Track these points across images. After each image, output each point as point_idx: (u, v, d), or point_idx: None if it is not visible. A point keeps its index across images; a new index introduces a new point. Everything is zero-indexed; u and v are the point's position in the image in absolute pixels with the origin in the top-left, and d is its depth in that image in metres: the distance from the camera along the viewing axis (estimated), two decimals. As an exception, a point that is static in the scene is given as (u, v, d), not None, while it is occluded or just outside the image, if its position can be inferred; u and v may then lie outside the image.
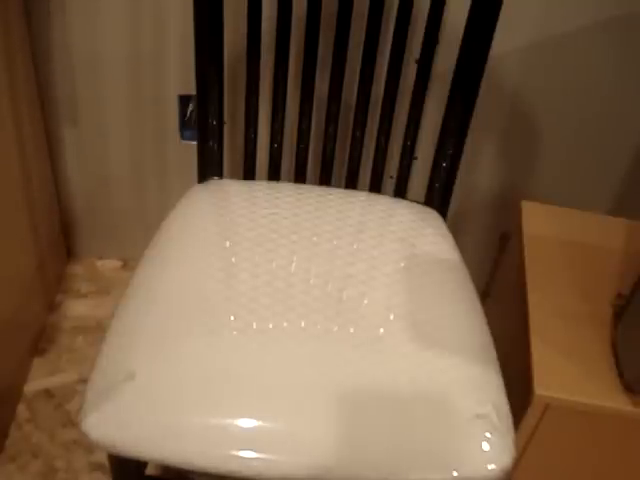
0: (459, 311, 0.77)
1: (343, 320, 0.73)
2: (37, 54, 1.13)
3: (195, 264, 0.78)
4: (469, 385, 0.69)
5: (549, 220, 1.01)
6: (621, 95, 1.09)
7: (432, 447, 0.64)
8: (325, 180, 0.94)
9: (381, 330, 0.73)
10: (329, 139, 0.92)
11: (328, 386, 0.67)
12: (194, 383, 0.66)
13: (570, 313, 0.88)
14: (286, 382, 0.67)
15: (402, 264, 0.80)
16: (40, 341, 1.24)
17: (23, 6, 1.07)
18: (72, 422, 1.12)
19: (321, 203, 0.88)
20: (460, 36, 0.83)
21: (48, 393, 1.17)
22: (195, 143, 0.95)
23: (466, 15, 0.82)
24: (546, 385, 0.79)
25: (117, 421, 0.64)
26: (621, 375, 0.81)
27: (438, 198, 0.92)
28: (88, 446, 1.09)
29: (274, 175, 0.94)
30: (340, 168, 0.99)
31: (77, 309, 1.31)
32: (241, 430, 0.64)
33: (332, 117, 0.91)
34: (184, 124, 1.20)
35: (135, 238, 1.35)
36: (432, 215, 0.91)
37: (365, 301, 0.75)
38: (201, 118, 0.90)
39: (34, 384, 1.18)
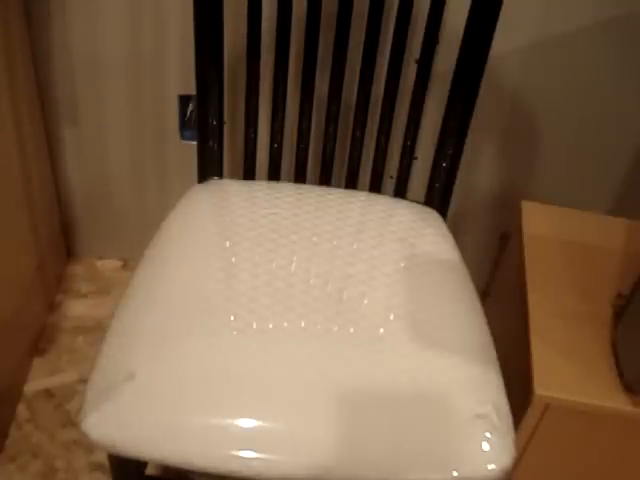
0: (459, 311, 0.77)
1: (343, 320, 0.73)
2: (37, 54, 1.13)
3: (195, 264, 0.78)
4: (469, 385, 0.69)
5: (549, 220, 1.01)
6: (621, 95, 1.09)
7: (432, 447, 0.64)
8: (325, 180, 0.94)
9: (381, 330, 0.73)
10: (329, 139, 0.92)
11: (328, 386, 0.67)
12: (194, 383, 0.66)
13: (570, 313, 0.88)
14: (286, 382, 0.67)
15: (402, 264, 0.80)
16: (40, 341, 1.24)
17: (23, 6, 1.07)
18: (72, 422, 1.12)
19: (321, 203, 0.88)
20: (460, 36, 0.83)
21: (48, 393, 1.17)
22: (195, 143, 0.95)
23: (466, 15, 0.82)
24: (546, 385, 0.79)
25: (117, 421, 0.64)
26: (621, 375, 0.81)
27: (438, 198, 0.92)
28: (88, 446, 1.09)
29: (274, 175, 0.94)
30: (340, 168, 0.99)
31: (77, 309, 1.31)
32: (241, 430, 0.64)
33: (332, 117, 0.91)
34: (184, 124, 1.20)
35: (135, 238, 1.35)
36: (432, 215, 0.91)
37: (365, 301, 0.75)
38: (201, 118, 0.90)
39: (34, 384, 1.18)
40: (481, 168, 1.21)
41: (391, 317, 0.74)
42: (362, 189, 0.94)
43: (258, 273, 0.77)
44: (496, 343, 0.75)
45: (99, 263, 1.40)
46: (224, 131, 0.92)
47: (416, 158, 0.94)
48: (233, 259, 0.78)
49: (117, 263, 1.40)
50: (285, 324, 0.72)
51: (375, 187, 0.94)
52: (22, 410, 1.14)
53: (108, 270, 1.39)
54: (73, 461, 1.08)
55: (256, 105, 0.91)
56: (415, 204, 0.92)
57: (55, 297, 1.32)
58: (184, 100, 1.17)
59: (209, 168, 0.92)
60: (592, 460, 0.86)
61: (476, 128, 0.95)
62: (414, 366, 0.69)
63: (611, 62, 1.06)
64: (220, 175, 0.93)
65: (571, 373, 0.81)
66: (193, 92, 0.93)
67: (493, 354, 0.74)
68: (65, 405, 1.15)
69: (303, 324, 0.72)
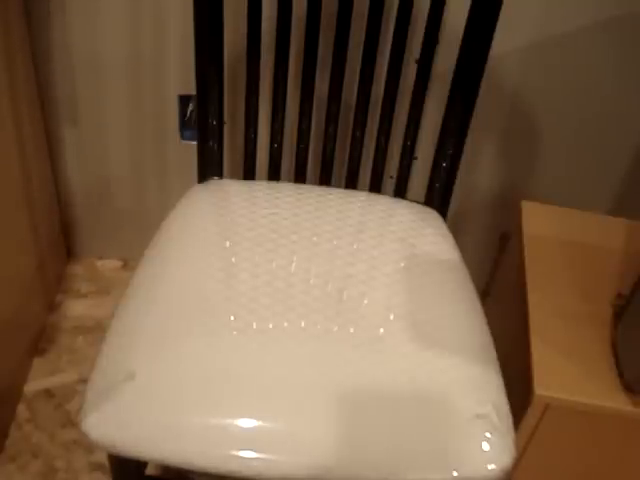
0: (459, 311, 0.77)
1: (343, 320, 0.73)
2: (37, 54, 1.12)
3: (195, 264, 0.78)
4: (469, 385, 0.69)
5: (549, 220, 1.01)
6: (621, 95, 1.09)
7: (432, 447, 0.64)
8: (325, 180, 0.94)
9: (381, 330, 0.73)
10: (329, 139, 0.92)
11: (328, 386, 0.67)
12: (194, 383, 0.66)
13: (570, 313, 0.88)
14: (286, 382, 0.67)
15: (402, 264, 0.80)
16: (40, 341, 1.24)
17: (23, 6, 1.07)
18: (72, 422, 1.12)
19: (321, 203, 0.88)
20: (460, 36, 0.83)
21: (48, 393, 1.17)
22: (195, 143, 0.95)
23: (466, 15, 0.82)
24: (546, 385, 0.79)
25: (117, 421, 0.64)
26: (621, 375, 0.81)
27: (438, 198, 0.92)
28: (88, 446, 1.09)
29: (274, 175, 0.94)
30: (340, 168, 0.99)
31: (77, 309, 1.31)
32: (241, 430, 0.64)
33: (332, 117, 0.91)
34: (184, 124, 1.20)
35: (135, 238, 1.35)
36: (432, 215, 0.90)
37: (365, 301, 0.75)
38: (201, 118, 0.90)
39: (34, 384, 1.18)
40: (481, 168, 1.21)
41: (391, 317, 0.74)
42: (362, 189, 0.94)
43: (258, 273, 0.77)
44: (496, 343, 0.75)
45: (99, 263, 1.40)
46: (224, 131, 0.92)
47: (416, 158, 0.94)
48: (233, 259, 0.78)
49: (117, 263, 1.40)
50: (285, 324, 0.72)
51: (375, 187, 0.94)
52: (22, 410, 1.14)
53: (108, 270, 1.39)
54: (73, 461, 1.08)
55: (256, 105, 0.91)
56: (415, 204, 0.92)
57: (55, 297, 1.32)
58: (184, 100, 1.17)
59: (209, 168, 0.92)
60: (592, 460, 0.86)
61: (476, 128, 0.95)
62: (414, 366, 0.69)
63: (611, 62, 1.06)
64: (220, 175, 0.93)
65: (571, 373, 0.81)
66: (193, 92, 0.93)
67: (493, 354, 0.74)
68: (65, 405, 1.15)
69: (303, 324, 0.72)
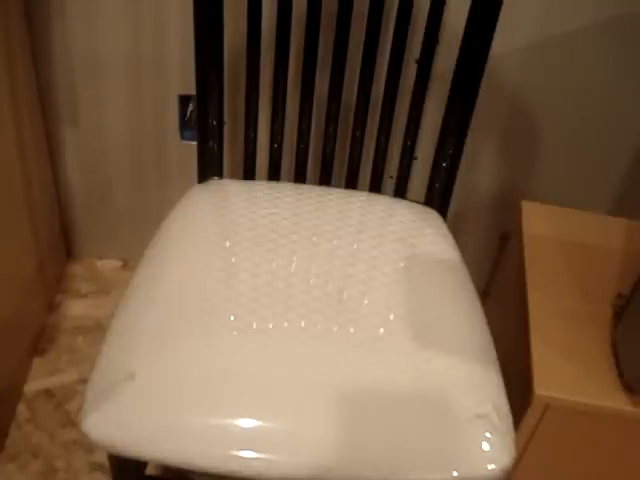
0: (459, 311, 0.77)
1: (343, 320, 0.73)
2: (38, 57, 1.12)
3: (195, 264, 0.78)
4: (469, 385, 0.69)
5: (549, 220, 1.01)
6: (621, 95, 1.09)
7: (432, 447, 0.64)
8: (325, 180, 0.94)
9: (381, 330, 0.73)
10: (329, 139, 0.92)
11: (328, 386, 0.67)
12: (194, 383, 0.66)
13: (570, 313, 0.88)
14: (286, 382, 0.67)
15: (402, 264, 0.80)
16: (40, 341, 1.24)
17: (24, 10, 1.07)
18: (72, 422, 1.12)
19: (321, 203, 0.88)
20: (460, 36, 0.83)
21: (48, 393, 1.17)
22: (195, 143, 0.95)
23: (466, 15, 0.82)
24: (546, 385, 0.79)
25: (117, 421, 0.64)
26: (621, 375, 0.81)
27: (438, 198, 0.92)
28: (88, 446, 1.09)
29: (274, 175, 0.94)
30: (340, 168, 0.99)
31: (77, 309, 1.31)
32: (241, 430, 0.64)
33: (332, 117, 0.91)
34: (184, 124, 1.20)
35: (135, 238, 1.35)
36: (432, 215, 0.90)
37: (365, 301, 0.75)
38: (201, 118, 0.90)
39: (34, 384, 1.18)
40: (481, 168, 1.21)
41: (391, 317, 0.74)
42: (362, 189, 0.94)
43: (258, 273, 0.77)
44: (496, 343, 0.75)
45: (99, 263, 1.40)
46: (224, 131, 0.92)
47: (416, 158, 0.94)
48: (233, 259, 0.78)
49: (117, 263, 1.40)
50: (285, 324, 0.72)
51: (375, 187, 0.94)
52: (22, 410, 1.14)
53: (108, 270, 1.39)
54: (73, 461, 1.08)
55: (256, 105, 0.91)
56: (415, 204, 0.92)
57: (55, 297, 1.32)
58: (184, 100, 1.17)
59: (209, 168, 0.92)
60: (592, 460, 0.86)
61: (476, 128, 0.95)
62: (414, 366, 0.69)
63: (611, 62, 1.06)
64: (220, 175, 0.93)
65: (571, 373, 0.81)
66: (193, 92, 0.93)
67: (493, 354, 0.74)
68: (65, 405, 1.15)
69: (303, 324, 0.72)
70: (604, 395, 0.79)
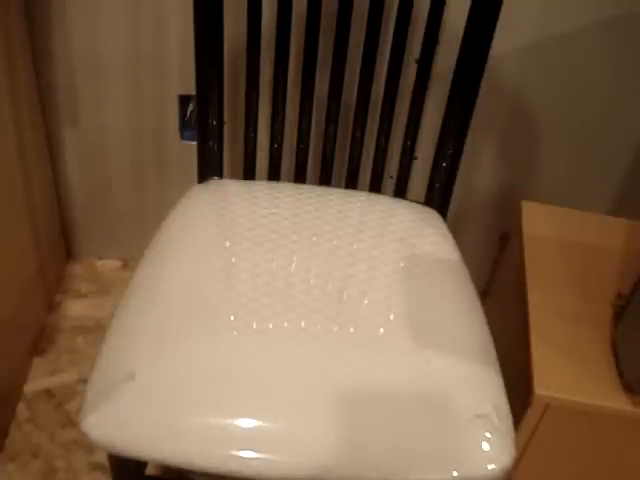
0: (459, 311, 0.77)
1: (343, 320, 0.73)
2: (38, 57, 1.12)
3: (195, 264, 0.78)
4: (469, 385, 0.69)
5: (549, 220, 1.01)
6: (621, 95, 1.09)
7: (432, 447, 0.64)
8: (325, 180, 0.94)
9: (381, 330, 0.73)
10: (329, 139, 0.92)
11: (328, 386, 0.67)
12: (194, 383, 0.66)
13: (570, 313, 0.88)
14: (286, 382, 0.67)
15: (402, 264, 0.80)
16: (40, 341, 1.24)
17: (24, 11, 1.07)
18: (72, 422, 1.12)
19: (321, 203, 0.88)
20: (460, 36, 0.83)
21: (48, 393, 1.17)
22: (195, 143, 0.95)
23: (466, 15, 0.82)
24: (546, 385, 0.79)
25: (117, 421, 0.64)
26: (621, 375, 0.81)
27: (438, 198, 0.92)
28: (88, 446, 1.09)
29: (274, 175, 0.94)
30: (340, 168, 0.99)
31: (77, 309, 1.31)
32: (241, 430, 0.64)
33: (332, 117, 0.91)
34: (184, 124, 1.20)
35: (135, 238, 1.35)
36: (432, 215, 0.91)
37: (365, 301, 0.75)
38: (201, 118, 0.90)
39: (34, 384, 1.18)
40: (481, 168, 1.21)
41: (391, 317, 0.74)
42: (362, 189, 0.94)
43: (258, 273, 0.77)
44: (496, 343, 0.75)
45: (99, 263, 1.40)
46: (224, 131, 0.92)
47: (416, 158, 0.94)
48: (233, 259, 0.78)
49: (117, 263, 1.40)
50: (285, 324, 0.72)
51: (375, 187, 0.94)
52: (22, 410, 1.14)
53: (108, 270, 1.39)
54: (73, 461, 1.08)
55: (256, 105, 0.91)
56: (415, 204, 0.92)
57: (55, 297, 1.32)
58: (184, 100, 1.17)
59: (209, 168, 0.92)
60: (592, 460, 0.86)
61: (476, 128, 0.95)
62: (414, 366, 0.69)
63: (611, 62, 1.06)
64: (220, 175, 0.93)
65: (571, 373, 0.81)
66: (193, 92, 0.93)
67: (493, 354, 0.74)
68: (65, 405, 1.15)
69: (303, 324, 0.72)
70: (604, 395, 0.79)
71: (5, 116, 1.03)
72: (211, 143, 0.91)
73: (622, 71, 1.07)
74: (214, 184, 0.91)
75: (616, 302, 0.88)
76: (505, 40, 1.03)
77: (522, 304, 0.90)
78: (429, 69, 0.87)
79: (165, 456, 0.64)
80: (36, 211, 1.19)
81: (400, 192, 0.94)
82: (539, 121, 1.14)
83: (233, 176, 0.94)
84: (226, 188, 0.90)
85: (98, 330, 1.26)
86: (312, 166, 0.98)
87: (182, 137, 1.22)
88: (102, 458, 1.07)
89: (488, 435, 0.65)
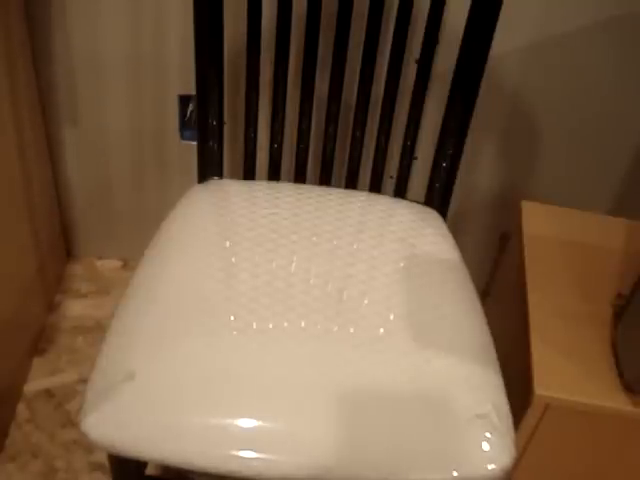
0: (459, 311, 0.77)
1: (343, 320, 0.73)
2: (38, 57, 1.12)
3: (195, 264, 0.78)
4: (469, 385, 0.69)
5: (549, 220, 1.01)
6: (621, 95, 1.09)
7: (432, 447, 0.64)
8: (325, 180, 0.94)
9: (381, 330, 0.73)
10: (329, 139, 0.92)
11: (328, 386, 0.67)
12: (194, 383, 0.66)
13: (570, 313, 0.88)
14: (286, 382, 0.67)
15: (402, 264, 0.80)
16: (40, 341, 1.24)
17: (24, 11, 1.07)
18: (72, 422, 1.12)
19: (321, 203, 0.88)
20: (460, 36, 0.83)
21: (48, 393, 1.17)
22: (195, 143, 0.95)
23: (466, 15, 0.82)
24: (546, 385, 0.79)
25: (117, 421, 0.64)
26: (621, 375, 0.81)
27: (438, 198, 0.92)
28: (88, 446, 1.09)
29: (274, 175, 0.94)
30: (340, 168, 0.99)
31: (77, 309, 1.31)
32: (241, 430, 0.64)
33: (332, 117, 0.91)
34: (184, 124, 1.20)
35: (135, 238, 1.35)
36: (432, 215, 0.91)
37: (365, 301, 0.75)
38: (201, 118, 0.90)
39: (34, 384, 1.18)
40: (481, 168, 1.21)
41: (391, 317, 0.74)
42: (362, 189, 0.94)
43: (258, 273, 0.77)
44: (496, 343, 0.75)
45: (99, 263, 1.40)
46: (224, 131, 0.92)
47: (416, 158, 0.94)
48: (233, 259, 0.78)
49: (117, 263, 1.40)
50: (285, 324, 0.72)
51: (375, 187, 0.94)
52: (22, 410, 1.14)
53: (108, 270, 1.39)
54: (73, 461, 1.08)
55: (256, 105, 0.91)
56: (415, 204, 0.92)
57: (55, 297, 1.32)
58: (184, 100, 1.17)
59: (209, 168, 0.92)
60: (592, 460, 0.86)
61: (476, 128, 0.95)
62: (414, 366, 0.69)
63: (611, 62, 1.06)
64: (220, 175, 0.93)
65: (571, 373, 0.81)
66: (193, 92, 0.93)
67: (493, 354, 0.74)
68: (65, 405, 1.15)
69: (303, 324, 0.72)
70: (604, 395, 0.79)
71: (5, 116, 1.03)
72: (211, 143, 0.91)
73: (622, 71, 1.07)
74: (214, 184, 0.91)
75: (616, 302, 0.88)
76: (505, 40, 1.03)
77: (522, 304, 0.90)
78: (429, 69, 0.87)
79: (165, 456, 0.64)
80: (36, 211, 1.19)
81: (400, 192, 0.94)
82: (539, 121, 1.14)
83: (233, 176, 0.94)
84: (226, 188, 0.90)
85: (98, 330, 1.26)
86: (312, 166, 0.98)
87: (182, 137, 1.22)
88: (102, 458, 1.07)
89: (488, 435, 0.65)
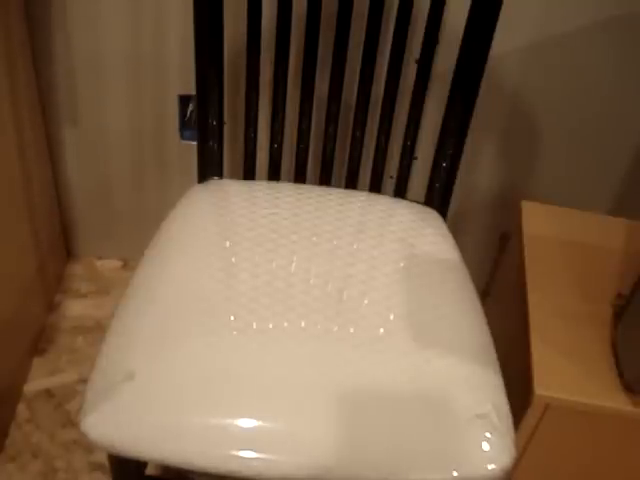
0: (459, 311, 0.77)
1: (343, 320, 0.73)
2: (38, 57, 1.12)
3: (195, 264, 0.78)
4: (469, 385, 0.69)
5: (549, 220, 1.01)
6: (621, 95, 1.09)
7: (432, 447, 0.64)
8: (325, 180, 0.94)
9: (381, 330, 0.73)
10: (329, 139, 0.92)
11: (328, 386, 0.67)
12: (194, 383, 0.66)
13: (570, 313, 0.88)
14: (286, 382, 0.67)
15: (402, 264, 0.80)
16: (40, 341, 1.24)
17: (24, 10, 1.07)
18: (72, 422, 1.12)
19: (321, 203, 0.88)
20: (460, 36, 0.83)
21: (48, 393, 1.17)
22: (195, 143, 0.95)
23: (466, 15, 0.82)
24: (546, 385, 0.79)
25: (116, 421, 0.64)
26: (621, 375, 0.81)
27: (438, 198, 0.92)
28: (88, 446, 1.09)
29: (274, 175, 0.94)
30: (340, 168, 0.99)
31: (77, 309, 1.31)
32: (241, 430, 0.64)
33: (332, 117, 0.91)
34: (184, 124, 1.20)
35: (135, 238, 1.35)
36: (432, 215, 0.91)
37: (365, 301, 0.75)
38: (201, 118, 0.90)
39: (34, 384, 1.18)
40: (481, 168, 1.21)
41: (391, 317, 0.74)
42: (362, 189, 0.94)
43: (258, 273, 0.77)
44: (496, 343, 0.75)
45: (99, 263, 1.40)
46: (224, 131, 0.92)
47: (416, 158, 0.94)
48: (233, 259, 0.78)
49: (117, 263, 1.40)
50: (285, 324, 0.72)
51: (375, 187, 0.94)
52: (22, 410, 1.14)
53: (108, 270, 1.39)
54: (73, 461, 1.08)
55: (256, 105, 0.91)
56: (415, 204, 0.92)
57: (55, 297, 1.32)
58: (184, 100, 1.17)
59: (209, 168, 0.92)
60: (592, 460, 0.86)
61: (476, 128, 0.95)
62: (414, 366, 0.69)
63: (611, 62, 1.06)
64: (220, 175, 0.93)
65: (571, 373, 0.81)
66: (193, 92, 0.93)
67: (493, 354, 0.74)
68: (65, 405, 1.15)
69: (303, 324, 0.72)
70: (604, 395, 0.79)
71: (5, 116, 1.03)
72: (211, 143, 0.91)
73: (622, 71, 1.07)
74: (214, 184, 0.91)
75: (616, 302, 0.88)
76: (505, 40, 1.03)
77: (522, 304, 0.90)
78: (429, 69, 0.87)
79: (165, 456, 0.64)
80: (36, 211, 1.19)
81: (400, 192, 0.94)
82: (539, 121, 1.14)
83: (233, 176, 0.94)
84: (226, 188, 0.90)
85: (98, 330, 1.26)
86: (312, 166, 0.98)
87: (182, 137, 1.22)
88: (102, 458, 1.07)
89: (488, 435, 0.65)
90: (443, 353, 0.71)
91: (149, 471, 0.99)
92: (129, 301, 0.75)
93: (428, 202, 0.92)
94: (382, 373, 0.68)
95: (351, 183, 0.94)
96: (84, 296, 1.33)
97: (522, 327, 0.87)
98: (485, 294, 1.22)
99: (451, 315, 0.76)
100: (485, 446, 0.64)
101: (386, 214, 0.88)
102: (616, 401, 0.79)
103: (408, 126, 0.90)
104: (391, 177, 0.99)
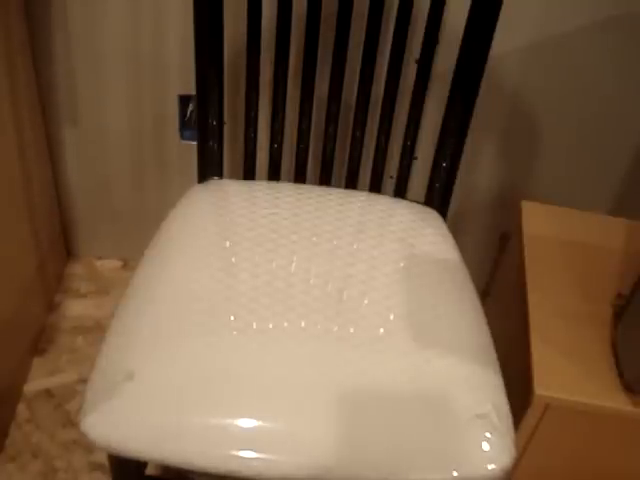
0: (459, 311, 0.77)
1: (343, 320, 0.73)
2: (38, 57, 1.12)
3: (195, 264, 0.78)
4: (469, 385, 0.69)
5: (549, 220, 1.01)
6: (621, 95, 1.09)
7: (432, 447, 0.64)
8: (325, 180, 0.94)
9: (381, 330, 0.73)
10: (329, 139, 0.92)
11: (328, 386, 0.67)
12: (194, 383, 0.66)
13: (570, 313, 0.88)
14: (286, 382, 0.67)
15: (402, 264, 0.80)
16: (40, 341, 1.24)
17: (24, 10, 1.07)
18: (72, 422, 1.12)
19: (321, 203, 0.88)
20: (460, 36, 0.83)
21: (48, 393, 1.17)
22: (195, 143, 0.95)
23: (466, 15, 0.82)
24: (546, 385, 0.79)
25: (116, 421, 0.64)
26: (621, 375, 0.81)
27: (438, 198, 0.92)
28: (88, 446, 1.09)
29: (274, 175, 0.94)
30: (340, 168, 0.99)
31: (77, 309, 1.31)
32: (241, 430, 0.64)
33: (332, 117, 0.91)
34: (184, 124, 1.20)
35: (135, 238, 1.35)
36: (432, 215, 0.91)
37: (365, 301, 0.75)
38: (201, 118, 0.90)
39: (34, 384, 1.18)
40: (481, 168, 1.21)
41: (391, 317, 0.74)
42: (362, 189, 0.94)
43: (258, 273, 0.77)
44: (496, 343, 0.75)
45: (99, 263, 1.40)
46: (224, 131, 0.92)
47: (416, 158, 0.94)
48: (233, 259, 0.78)
49: (117, 263, 1.40)
50: (285, 324, 0.72)
51: (375, 187, 0.94)
52: (22, 410, 1.14)
53: (108, 270, 1.39)
54: (73, 461, 1.08)
55: (256, 105, 0.91)
56: (415, 204, 0.92)
57: (55, 297, 1.32)
58: (184, 100, 1.17)
59: (209, 168, 0.92)
60: (592, 460, 0.86)
61: (476, 128, 0.95)
62: (414, 366, 0.69)
63: (610, 62, 1.06)
64: (220, 175, 0.93)
65: (571, 373, 0.81)
66: (193, 92, 0.93)
67: (493, 354, 0.74)
68: (65, 405, 1.15)
69: (303, 324, 0.72)
70: (604, 395, 0.79)
71: (5, 116, 1.03)
72: (211, 143, 0.91)
73: (622, 71, 1.07)
74: (214, 184, 0.91)
75: (616, 302, 0.88)
76: (505, 40, 1.03)
77: (522, 304, 0.90)
78: (429, 69, 0.87)
79: (165, 456, 0.64)
80: (36, 210, 1.19)
81: (400, 192, 0.94)
82: (539, 121, 1.14)
83: (233, 176, 0.94)
84: (226, 188, 0.90)
85: (98, 330, 1.26)
86: (312, 166, 0.98)
87: (182, 137, 1.22)
88: (102, 458, 1.07)
89: (488, 435, 0.65)
90: (443, 353, 0.71)
91: (149, 471, 0.99)
92: (129, 301, 0.75)
93: (428, 202, 0.92)
94: (382, 373, 0.68)
95: (351, 183, 0.94)
96: (84, 296, 1.33)
97: (522, 327, 0.87)
98: (485, 294, 1.22)
99: (451, 315, 0.76)
100: (485, 446, 0.64)
101: (386, 214, 0.88)
102: (616, 401, 0.79)
103: (408, 126, 0.90)
104: (391, 177, 0.99)
